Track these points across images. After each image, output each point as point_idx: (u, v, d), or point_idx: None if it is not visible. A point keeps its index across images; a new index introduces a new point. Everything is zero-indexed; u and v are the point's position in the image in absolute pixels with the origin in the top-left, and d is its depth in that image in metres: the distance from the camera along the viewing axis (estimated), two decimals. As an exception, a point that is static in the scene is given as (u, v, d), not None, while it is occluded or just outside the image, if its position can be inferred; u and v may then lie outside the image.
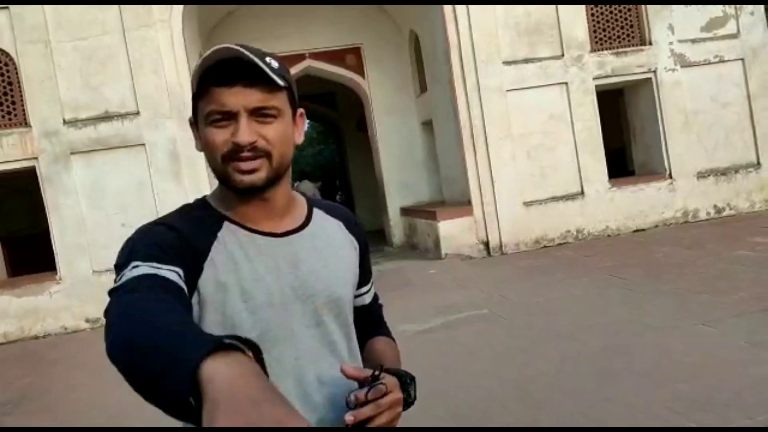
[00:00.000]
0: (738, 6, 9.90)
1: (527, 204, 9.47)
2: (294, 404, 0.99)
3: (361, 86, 12.18)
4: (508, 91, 9.38)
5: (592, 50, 9.65)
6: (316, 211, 1.24)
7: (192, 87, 1.08)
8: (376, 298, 1.41)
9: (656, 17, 9.77)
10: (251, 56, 1.01)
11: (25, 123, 8.52)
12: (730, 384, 3.57)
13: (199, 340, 0.75)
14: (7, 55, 8.48)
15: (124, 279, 0.99)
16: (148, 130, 8.63)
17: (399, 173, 12.13)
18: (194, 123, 1.12)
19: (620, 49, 9.75)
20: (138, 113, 8.61)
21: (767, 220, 8.99)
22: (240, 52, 1.01)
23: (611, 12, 9.84)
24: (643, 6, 9.78)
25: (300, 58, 11.47)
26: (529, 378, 4.14)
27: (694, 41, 9.84)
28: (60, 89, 8.48)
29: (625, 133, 11.15)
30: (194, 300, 1.05)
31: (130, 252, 1.02)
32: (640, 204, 9.72)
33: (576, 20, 9.56)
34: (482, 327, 5.59)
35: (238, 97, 1.03)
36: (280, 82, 1.03)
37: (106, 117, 8.59)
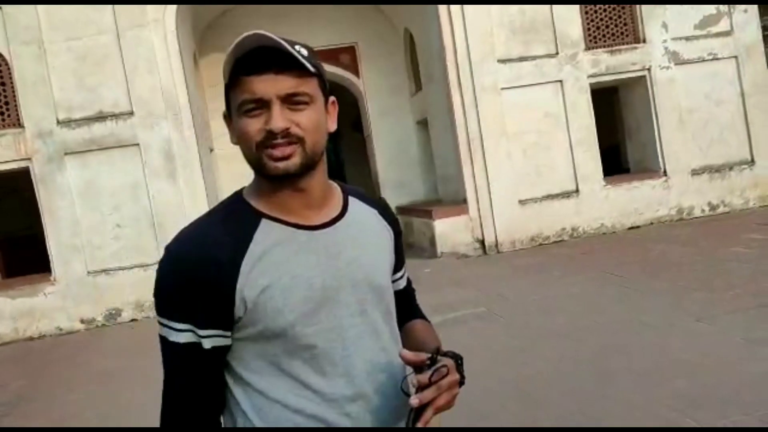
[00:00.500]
0: (731, 4, 9.93)
1: (523, 202, 9.48)
2: (342, 393, 1.10)
3: (356, 85, 12.17)
4: (503, 89, 9.39)
5: (587, 48, 9.67)
6: (351, 200, 1.24)
7: (224, 78, 1.08)
8: (409, 282, 1.42)
9: (650, 15, 9.79)
10: (283, 43, 1.02)
11: (19, 124, 8.47)
12: (727, 381, 3.58)
13: None
14: (1, 55, 8.43)
15: (168, 339, 1.08)
16: (142, 130, 8.60)
17: (394, 172, 12.13)
18: (227, 116, 1.12)
19: (614, 48, 9.77)
20: (132, 113, 8.58)
21: (761, 217, 9.02)
22: (272, 39, 1.01)
23: (605, 10, 9.85)
24: (636, 4, 9.80)
25: (294, 57, 11.42)
26: (528, 377, 4.14)
27: (688, 39, 9.87)
28: (54, 90, 8.44)
29: (620, 131, 11.17)
30: (238, 309, 1.07)
31: (167, 299, 1.09)
32: (635, 201, 9.74)
33: (570, 19, 9.57)
34: (479, 325, 5.60)
35: (270, 85, 1.03)
36: (311, 68, 1.05)
37: (100, 117, 8.55)
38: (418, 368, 1.04)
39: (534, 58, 9.51)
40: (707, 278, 6.00)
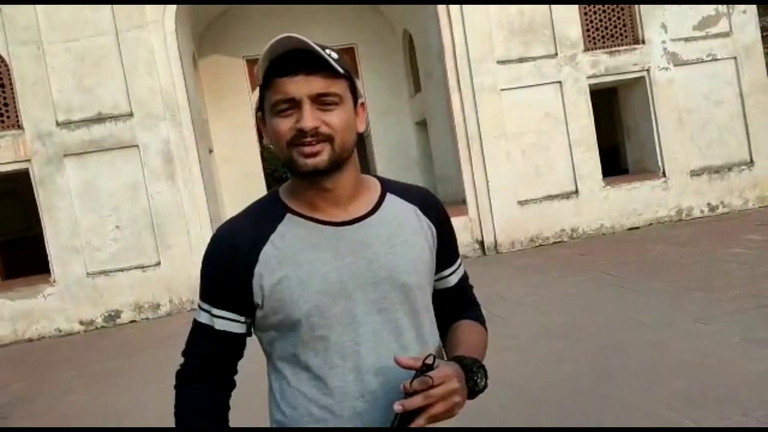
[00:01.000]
0: (730, 5, 9.94)
1: (522, 203, 9.48)
2: (348, 388, 1.12)
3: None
4: (502, 90, 9.39)
5: (586, 49, 9.67)
6: (389, 197, 1.25)
7: (257, 79, 1.15)
8: (463, 279, 1.39)
9: (649, 16, 9.80)
10: (314, 46, 1.07)
11: (18, 125, 8.47)
12: (725, 381, 3.58)
13: None
14: (0, 56, 8.44)
15: (195, 319, 1.23)
16: (141, 131, 8.60)
17: (393, 173, 12.12)
18: (261, 117, 1.19)
19: (614, 48, 9.77)
20: (131, 114, 8.58)
21: (760, 218, 9.03)
22: (304, 42, 1.07)
23: (604, 11, 9.86)
24: (635, 5, 9.81)
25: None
26: (526, 377, 4.14)
27: (686, 40, 9.87)
28: (53, 91, 8.44)
29: (619, 131, 11.18)
30: (256, 295, 1.16)
31: (203, 281, 1.22)
32: (634, 202, 9.75)
33: (569, 19, 9.58)
34: (478, 326, 5.59)
35: (301, 85, 1.09)
36: (341, 70, 1.10)
37: (100, 118, 8.55)
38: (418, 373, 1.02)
39: (533, 59, 9.51)
40: (706, 279, 6.00)
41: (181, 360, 1.23)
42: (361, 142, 13.01)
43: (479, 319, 1.37)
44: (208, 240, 1.25)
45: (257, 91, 1.28)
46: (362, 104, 1.21)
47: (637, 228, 9.69)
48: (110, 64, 8.54)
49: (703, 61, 9.92)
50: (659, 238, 8.69)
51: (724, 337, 4.32)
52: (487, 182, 9.38)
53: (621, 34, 9.90)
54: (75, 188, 8.52)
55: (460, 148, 9.41)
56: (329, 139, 1.11)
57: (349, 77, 1.15)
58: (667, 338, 4.48)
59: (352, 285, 1.15)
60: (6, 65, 8.45)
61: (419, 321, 1.21)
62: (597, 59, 9.68)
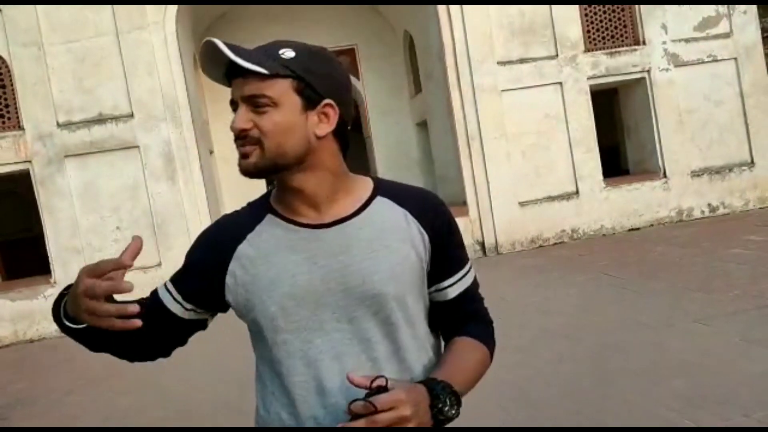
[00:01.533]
0: (730, 5, 9.94)
1: (522, 204, 9.48)
2: (310, 397, 1.10)
3: (355, 87, 12.15)
4: (502, 91, 9.39)
5: (586, 50, 9.67)
6: (378, 199, 1.17)
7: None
8: (467, 292, 1.23)
9: (649, 17, 9.80)
10: (224, 50, 1.04)
11: (19, 126, 8.48)
12: (725, 381, 3.58)
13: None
14: (0, 57, 8.44)
15: (157, 288, 1.28)
16: (142, 132, 8.60)
17: (394, 173, 12.11)
18: None
19: (614, 49, 9.77)
20: (132, 115, 8.58)
21: (761, 219, 9.02)
22: (217, 48, 1.05)
23: (605, 12, 9.86)
24: (636, 6, 9.81)
25: (294, 59, 11.44)
26: (526, 377, 4.14)
27: (687, 41, 9.87)
28: (53, 92, 8.45)
29: (620, 132, 11.17)
30: (228, 291, 1.17)
31: (182, 264, 1.26)
32: (634, 203, 9.74)
33: (570, 20, 9.58)
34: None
35: (237, 88, 1.09)
36: (261, 70, 1.05)
37: (100, 119, 8.56)
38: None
39: (533, 59, 9.51)
40: (706, 279, 6.00)
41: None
42: (362, 142, 13.01)
43: (481, 336, 1.21)
44: None
45: None
46: (327, 105, 1.11)
47: (637, 229, 9.68)
48: (111, 64, 8.55)
49: (703, 62, 9.91)
50: (660, 238, 8.69)
51: (724, 338, 4.32)
52: (488, 183, 9.38)
53: (621, 35, 9.90)
54: (75, 189, 8.53)
55: (460, 149, 9.41)
56: (258, 142, 1.08)
57: (300, 78, 1.07)
58: (667, 338, 4.48)
59: (322, 290, 1.10)
60: (7, 66, 8.46)
61: (395, 335, 1.12)
62: (597, 60, 9.68)
